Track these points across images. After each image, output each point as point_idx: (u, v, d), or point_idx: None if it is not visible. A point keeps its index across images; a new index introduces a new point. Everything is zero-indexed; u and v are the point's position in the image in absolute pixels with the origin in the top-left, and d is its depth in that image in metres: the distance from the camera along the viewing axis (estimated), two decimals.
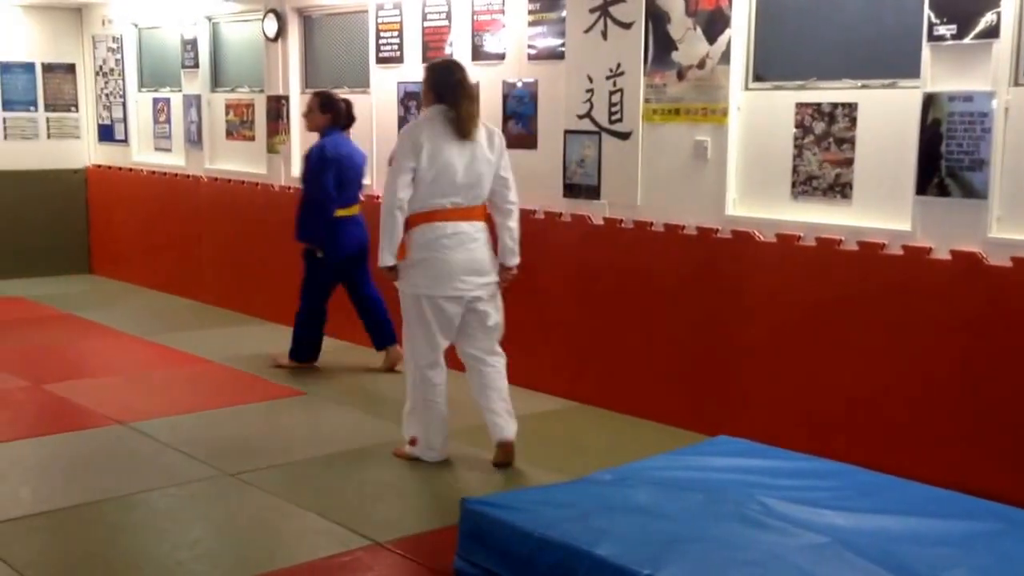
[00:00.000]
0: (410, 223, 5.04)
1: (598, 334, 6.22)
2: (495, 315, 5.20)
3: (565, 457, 5.35)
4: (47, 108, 10.80)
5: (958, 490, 4.18)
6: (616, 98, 6.01)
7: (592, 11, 6.06)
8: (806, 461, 4.40)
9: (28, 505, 4.66)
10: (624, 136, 6.00)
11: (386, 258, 5.06)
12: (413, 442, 5.29)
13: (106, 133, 10.81)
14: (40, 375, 6.82)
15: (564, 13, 6.25)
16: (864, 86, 5.07)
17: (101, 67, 10.77)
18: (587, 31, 6.10)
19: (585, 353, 6.30)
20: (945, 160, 4.70)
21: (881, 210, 5.00)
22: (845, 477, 4.23)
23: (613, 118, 6.03)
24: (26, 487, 4.91)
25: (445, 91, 5.06)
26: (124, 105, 10.45)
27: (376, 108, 7.59)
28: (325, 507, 4.66)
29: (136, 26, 10.32)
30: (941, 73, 4.70)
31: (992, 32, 4.54)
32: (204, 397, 6.49)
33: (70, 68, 10.89)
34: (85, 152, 11.04)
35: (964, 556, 3.45)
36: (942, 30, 4.67)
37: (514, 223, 5.22)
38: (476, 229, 5.11)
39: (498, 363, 5.25)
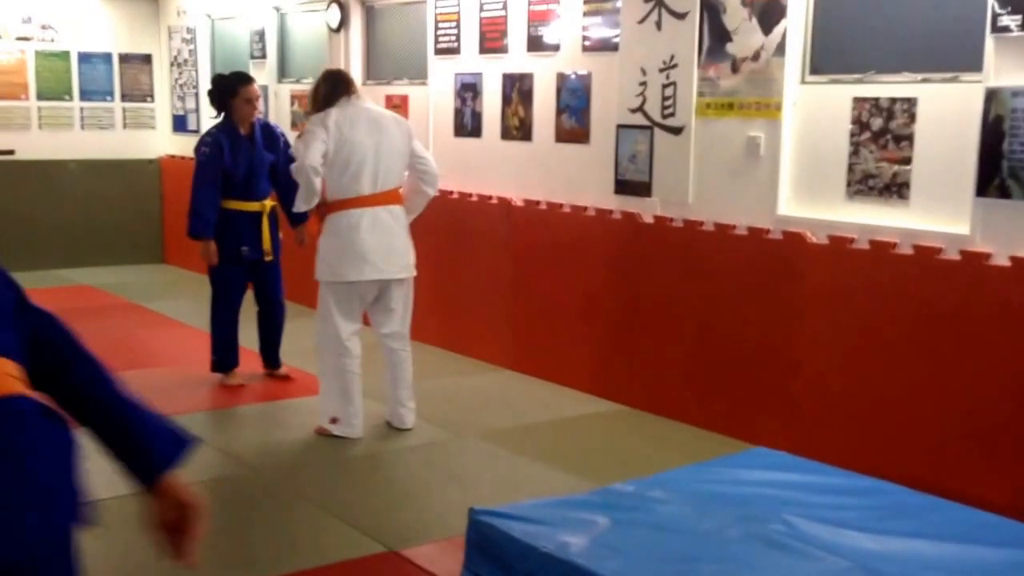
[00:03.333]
0: (327, 210, 5.27)
1: (644, 334, 6.01)
2: (405, 301, 5.52)
3: (598, 462, 5.18)
4: (123, 98, 10.94)
5: (1018, 513, 3.89)
6: (669, 91, 5.79)
7: (647, 0, 5.85)
8: (844, 477, 4.13)
9: None
10: (676, 131, 5.78)
11: (300, 205, 5.28)
12: (334, 421, 5.44)
13: (180, 123, 10.91)
14: (105, 364, 6.83)
15: (619, 3, 6.05)
16: (924, 80, 4.77)
17: (176, 57, 10.87)
18: (641, 21, 5.89)
19: (630, 354, 6.09)
20: (1007, 159, 4.39)
21: (939, 212, 4.71)
22: (885, 496, 3.95)
23: (666, 112, 5.82)
24: None
25: (336, 94, 5.32)
26: (197, 95, 10.52)
27: (433, 100, 7.48)
28: (345, 511, 4.57)
29: (209, 17, 10.39)
30: (1005, 67, 4.39)
31: None
32: (256, 392, 6.48)
33: (146, 59, 11.02)
34: (160, 142, 11.16)
35: None
36: (1006, 21, 4.36)
37: (432, 190, 5.54)
38: (391, 214, 5.36)
39: (403, 351, 5.56)
